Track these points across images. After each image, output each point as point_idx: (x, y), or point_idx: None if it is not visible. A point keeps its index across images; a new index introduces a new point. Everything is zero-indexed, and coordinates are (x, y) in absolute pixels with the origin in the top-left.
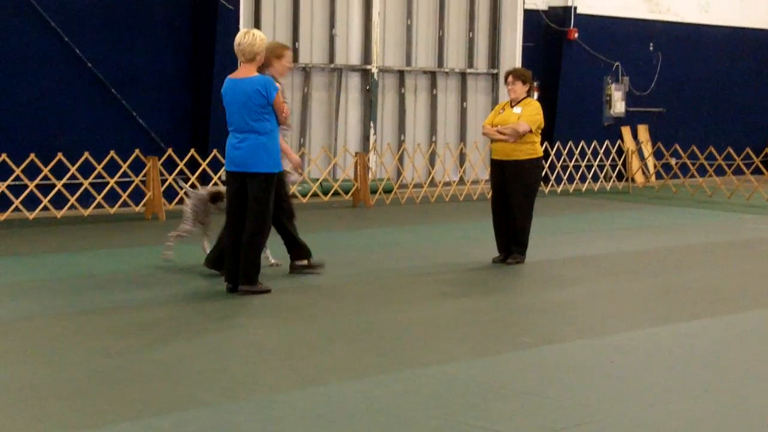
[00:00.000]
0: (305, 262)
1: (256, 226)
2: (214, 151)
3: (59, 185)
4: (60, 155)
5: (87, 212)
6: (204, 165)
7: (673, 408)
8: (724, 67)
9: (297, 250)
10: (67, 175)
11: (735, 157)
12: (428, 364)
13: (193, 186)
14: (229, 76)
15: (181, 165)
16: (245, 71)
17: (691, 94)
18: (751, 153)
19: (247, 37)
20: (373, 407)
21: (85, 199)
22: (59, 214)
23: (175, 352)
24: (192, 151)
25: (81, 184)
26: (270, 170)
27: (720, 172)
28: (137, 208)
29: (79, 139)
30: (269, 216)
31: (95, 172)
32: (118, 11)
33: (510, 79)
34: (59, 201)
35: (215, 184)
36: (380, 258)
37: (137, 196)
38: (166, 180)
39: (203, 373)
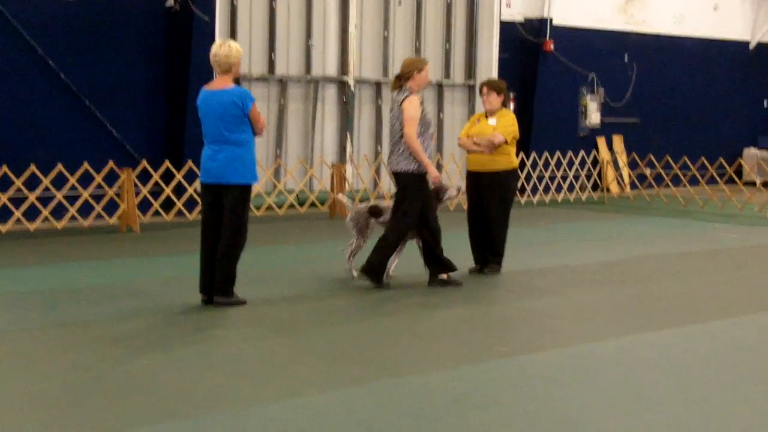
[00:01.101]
0: (445, 276)
1: (232, 237)
2: (189, 163)
3: (32, 198)
4: (33, 167)
5: (61, 225)
6: (179, 176)
7: (650, 417)
8: (698, 78)
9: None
10: (41, 188)
11: (708, 167)
12: (406, 374)
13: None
14: (205, 87)
15: (156, 177)
16: (221, 82)
17: (666, 105)
18: (724, 163)
19: (222, 48)
20: (350, 418)
21: (59, 212)
22: (33, 227)
23: (150, 364)
24: (167, 162)
25: (54, 197)
26: (246, 181)
27: (694, 182)
28: (111, 221)
29: (52, 151)
30: (245, 227)
31: (69, 185)
32: (92, 23)
33: (485, 90)
34: (32, 214)
35: (199, 195)
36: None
37: (111, 208)
38: (141, 192)
39: (179, 385)
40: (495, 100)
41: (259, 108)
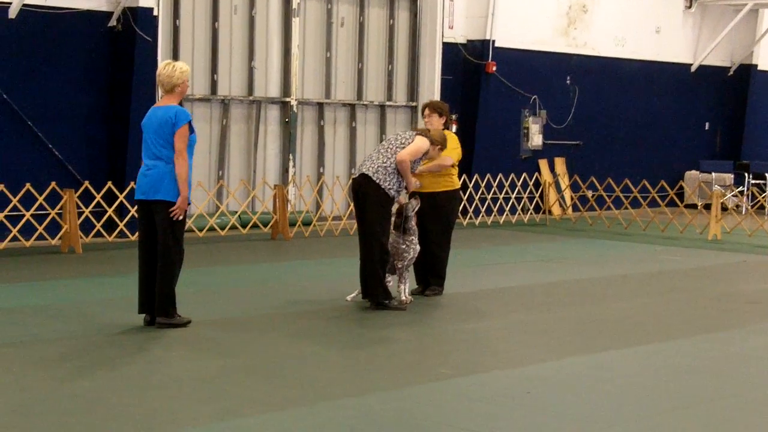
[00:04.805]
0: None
1: (164, 256)
2: (132, 184)
3: None
4: None
5: (2, 245)
6: (121, 197)
7: None
8: (640, 100)
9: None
10: None
11: (650, 189)
12: (346, 395)
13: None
14: (153, 106)
15: (98, 197)
16: (165, 101)
17: (608, 127)
18: (665, 185)
19: (167, 68)
20: None
21: (0, 232)
22: None
23: (91, 385)
24: (109, 183)
25: None
26: (173, 199)
27: (635, 204)
28: (53, 241)
29: None
30: (177, 246)
31: (11, 205)
32: (34, 42)
33: (426, 111)
34: None
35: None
36: (299, 290)
37: (53, 229)
38: (83, 213)
39: (120, 406)
40: (436, 121)
41: (201, 129)
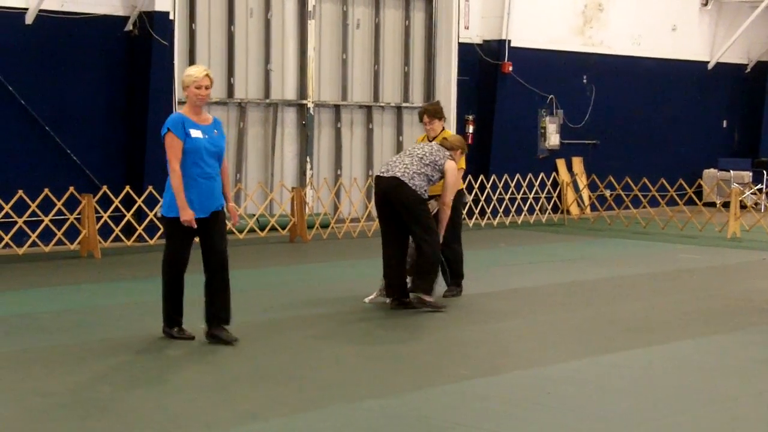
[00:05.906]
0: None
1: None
2: (149, 188)
3: None
4: None
5: (22, 251)
6: (139, 202)
7: None
8: (657, 98)
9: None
10: (1, 214)
11: (668, 188)
12: (366, 397)
13: None
14: None
15: (116, 202)
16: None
17: (625, 126)
18: (684, 184)
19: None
20: None
21: (20, 238)
22: None
23: (112, 389)
24: (127, 188)
25: (15, 223)
26: (164, 213)
27: (654, 203)
28: (72, 246)
29: (13, 177)
30: (165, 261)
31: (29, 210)
32: (52, 48)
33: (426, 119)
34: None
35: (158, 219)
36: (318, 293)
37: (72, 234)
38: (102, 217)
39: (140, 410)
40: (438, 125)
41: None
